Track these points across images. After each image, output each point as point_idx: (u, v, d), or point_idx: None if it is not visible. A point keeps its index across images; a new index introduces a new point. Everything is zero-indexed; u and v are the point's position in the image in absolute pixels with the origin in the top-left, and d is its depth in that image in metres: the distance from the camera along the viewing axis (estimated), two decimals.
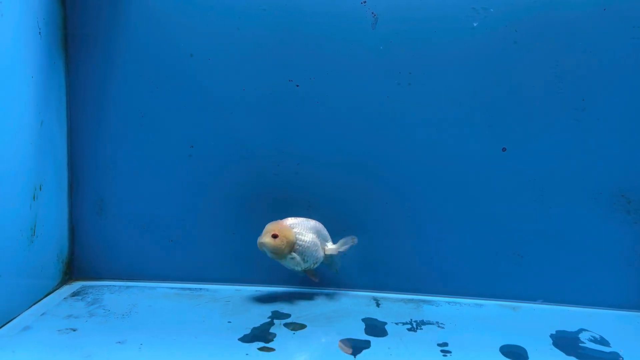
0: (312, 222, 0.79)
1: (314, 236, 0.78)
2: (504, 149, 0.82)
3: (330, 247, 0.80)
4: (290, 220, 0.78)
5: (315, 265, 0.79)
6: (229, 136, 0.84)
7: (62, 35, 0.79)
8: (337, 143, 0.83)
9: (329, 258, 0.80)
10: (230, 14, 0.81)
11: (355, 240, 0.80)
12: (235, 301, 0.79)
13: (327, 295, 0.83)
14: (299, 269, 0.78)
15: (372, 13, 0.81)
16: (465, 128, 0.82)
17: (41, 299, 0.76)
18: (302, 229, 0.77)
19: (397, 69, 0.82)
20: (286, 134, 0.84)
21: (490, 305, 0.81)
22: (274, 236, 0.74)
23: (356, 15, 0.81)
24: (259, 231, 0.85)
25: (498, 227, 0.83)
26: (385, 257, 0.84)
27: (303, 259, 0.77)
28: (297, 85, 0.83)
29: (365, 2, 0.81)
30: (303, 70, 0.82)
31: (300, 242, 0.76)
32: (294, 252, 0.76)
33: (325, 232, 0.80)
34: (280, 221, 0.77)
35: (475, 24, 0.79)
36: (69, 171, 0.83)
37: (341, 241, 0.80)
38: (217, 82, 0.83)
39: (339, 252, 0.80)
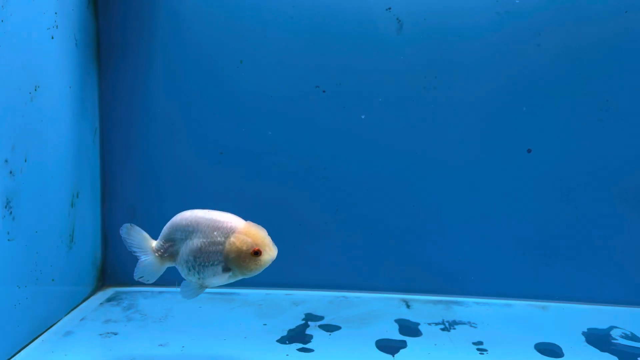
0: None
1: None
2: (529, 150, 0.83)
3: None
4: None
5: None
6: (258, 142, 0.85)
7: (95, 46, 0.81)
8: (364, 147, 0.85)
9: None
10: (257, 21, 0.83)
11: None
12: (267, 304, 0.80)
13: (358, 298, 0.84)
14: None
15: (397, 19, 0.82)
16: (491, 130, 0.83)
17: (79, 305, 0.77)
18: None
19: (423, 73, 0.83)
20: (314, 140, 0.85)
21: (520, 305, 0.82)
22: None
23: (382, 21, 0.82)
24: (290, 236, 0.86)
25: (525, 228, 0.84)
26: (414, 260, 0.85)
27: None
28: (324, 91, 0.84)
29: (390, 8, 0.82)
30: (330, 76, 0.84)
31: None
32: None
33: None
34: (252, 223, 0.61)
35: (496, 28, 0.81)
36: (102, 179, 0.85)
37: None
38: (245, 89, 0.84)
39: None
